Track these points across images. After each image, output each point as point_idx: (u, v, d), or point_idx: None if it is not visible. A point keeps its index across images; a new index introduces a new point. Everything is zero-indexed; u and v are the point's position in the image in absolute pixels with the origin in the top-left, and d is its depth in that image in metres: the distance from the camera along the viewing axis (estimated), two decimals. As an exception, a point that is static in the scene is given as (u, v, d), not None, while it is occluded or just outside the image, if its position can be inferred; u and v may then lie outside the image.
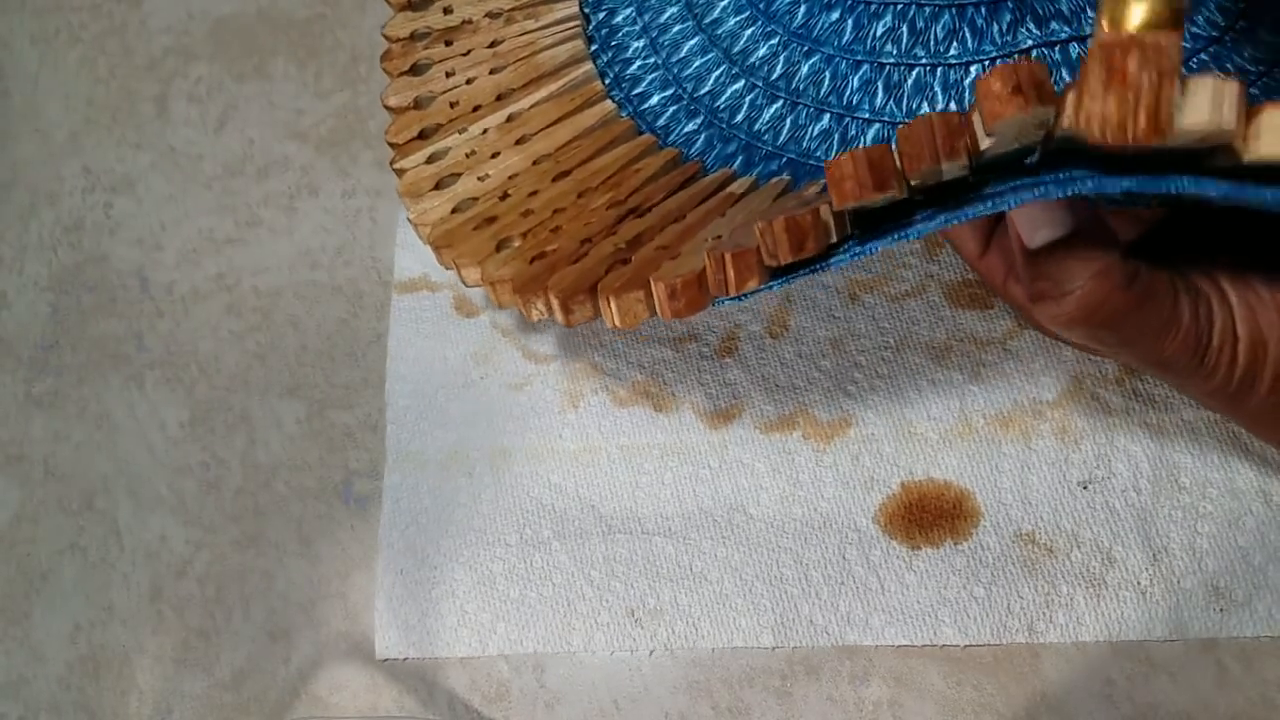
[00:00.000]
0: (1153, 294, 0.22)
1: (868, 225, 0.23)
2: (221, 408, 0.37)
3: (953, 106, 0.28)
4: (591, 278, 0.27)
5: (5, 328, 0.40)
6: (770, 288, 0.24)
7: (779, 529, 0.33)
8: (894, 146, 0.21)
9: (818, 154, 0.29)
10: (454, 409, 0.36)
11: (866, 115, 0.29)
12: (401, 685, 0.33)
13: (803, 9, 0.29)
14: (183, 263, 0.39)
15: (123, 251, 0.40)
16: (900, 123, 0.28)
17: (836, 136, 0.29)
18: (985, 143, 0.20)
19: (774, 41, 0.30)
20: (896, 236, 0.23)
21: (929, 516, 0.32)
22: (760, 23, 0.30)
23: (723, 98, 0.31)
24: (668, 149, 0.31)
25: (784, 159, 0.30)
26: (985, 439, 0.33)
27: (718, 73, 0.31)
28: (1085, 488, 0.32)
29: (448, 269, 0.30)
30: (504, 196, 0.31)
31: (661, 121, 0.32)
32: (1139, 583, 0.31)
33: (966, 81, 0.28)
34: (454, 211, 0.31)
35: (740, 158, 0.30)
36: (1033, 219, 0.23)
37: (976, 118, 0.20)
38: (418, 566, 0.34)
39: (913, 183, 0.21)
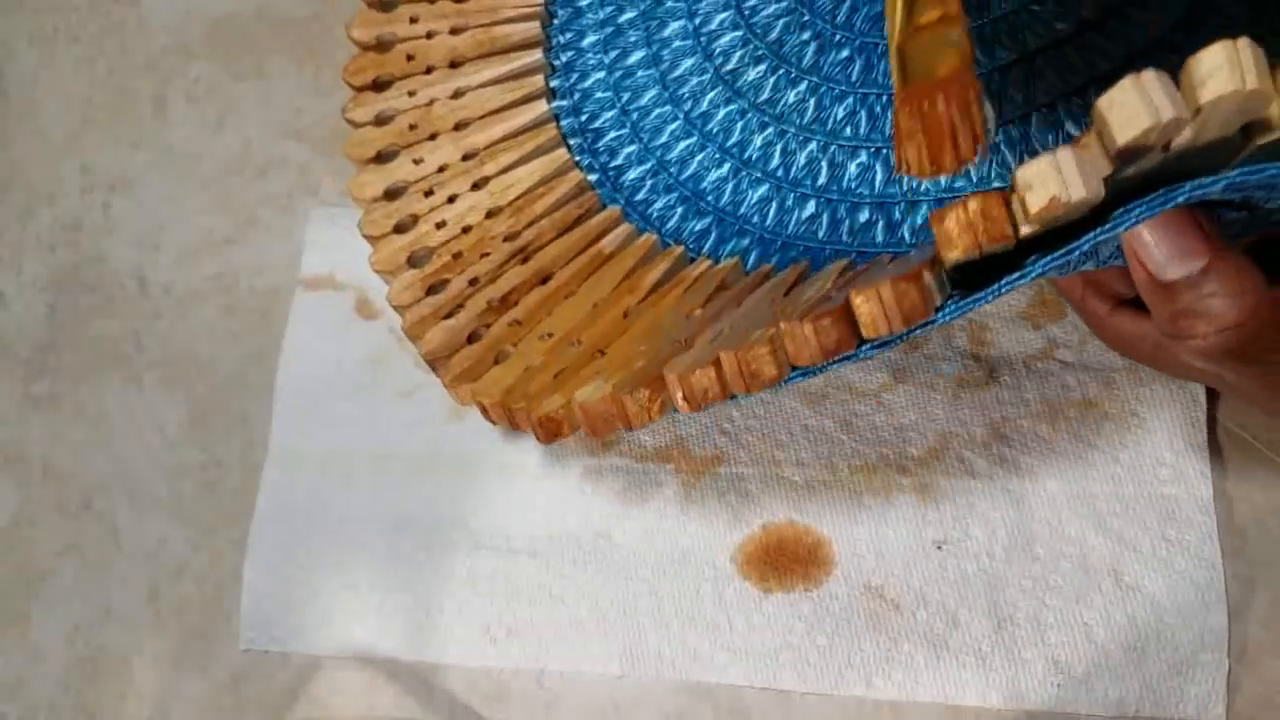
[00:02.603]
0: None
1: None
2: (220, 408, 0.37)
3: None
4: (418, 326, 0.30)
5: (3, 328, 0.40)
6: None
7: (640, 559, 0.33)
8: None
9: (752, 218, 0.30)
10: (340, 410, 0.36)
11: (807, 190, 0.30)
12: (400, 686, 0.33)
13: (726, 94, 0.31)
14: (181, 263, 0.39)
15: (121, 251, 0.40)
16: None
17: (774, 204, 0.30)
18: (1028, 228, 0.20)
19: (714, 95, 0.32)
20: (1013, 280, 0.21)
21: (785, 560, 0.32)
22: (705, 78, 0.32)
23: (652, 118, 0.32)
24: (574, 174, 0.32)
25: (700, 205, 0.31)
26: (848, 489, 0.33)
27: (660, 107, 0.33)
28: (939, 548, 0.32)
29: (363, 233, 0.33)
30: (428, 193, 0.32)
31: (596, 125, 0.33)
32: (980, 648, 0.31)
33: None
34: (385, 192, 0.33)
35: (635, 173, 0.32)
36: (1161, 252, 0.21)
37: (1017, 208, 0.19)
38: (285, 563, 0.34)
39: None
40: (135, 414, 0.37)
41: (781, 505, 0.33)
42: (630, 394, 0.24)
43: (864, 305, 0.21)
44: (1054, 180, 0.19)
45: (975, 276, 0.22)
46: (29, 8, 0.44)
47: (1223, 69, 0.17)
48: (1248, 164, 0.19)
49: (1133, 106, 0.18)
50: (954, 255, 0.20)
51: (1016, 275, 0.21)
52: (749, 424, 0.34)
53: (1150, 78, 0.18)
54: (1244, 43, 0.17)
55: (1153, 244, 0.21)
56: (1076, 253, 0.20)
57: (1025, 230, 0.20)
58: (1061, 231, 0.20)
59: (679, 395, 0.23)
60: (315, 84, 0.41)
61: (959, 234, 0.20)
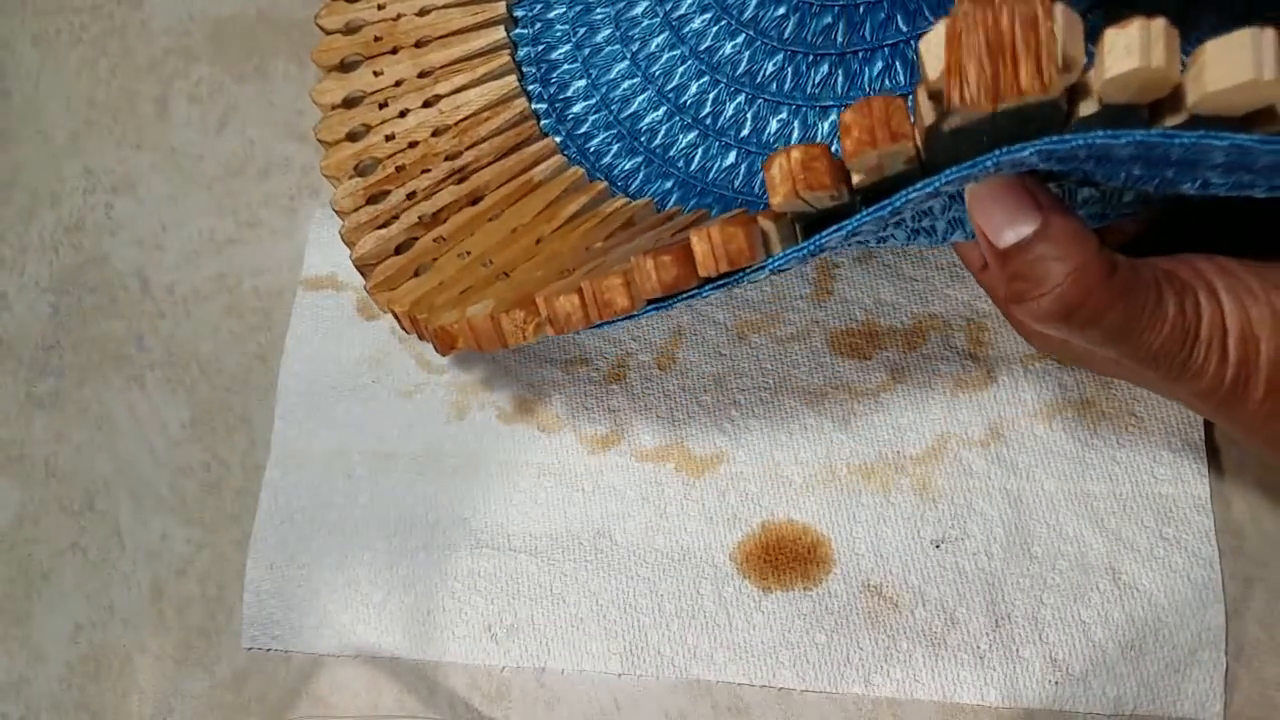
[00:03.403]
0: (1135, 285, 0.22)
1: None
2: (222, 408, 0.37)
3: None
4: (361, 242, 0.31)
5: (6, 328, 0.40)
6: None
7: (640, 558, 0.33)
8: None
9: (716, 178, 0.31)
10: (341, 410, 0.36)
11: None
12: (402, 684, 0.33)
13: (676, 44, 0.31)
14: (183, 263, 0.40)
15: (123, 252, 0.40)
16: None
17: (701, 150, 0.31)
18: (857, 177, 0.20)
19: (661, 39, 0.32)
20: (834, 232, 0.23)
21: (784, 559, 0.32)
22: (667, 40, 0.32)
23: (603, 55, 0.33)
24: (519, 101, 0.33)
25: (657, 163, 0.31)
26: (847, 487, 0.33)
27: (612, 45, 0.33)
28: (938, 546, 0.32)
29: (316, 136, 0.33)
30: (383, 105, 0.34)
31: (552, 56, 0.34)
32: (978, 646, 0.31)
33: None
34: (344, 100, 0.34)
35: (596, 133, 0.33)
36: (997, 219, 0.22)
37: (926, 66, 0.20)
38: (287, 562, 0.34)
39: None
40: (138, 414, 0.38)
41: (781, 504, 0.33)
42: (507, 314, 0.25)
43: (698, 245, 0.22)
44: (865, 123, 0.19)
45: (817, 219, 0.23)
46: (32, 9, 0.44)
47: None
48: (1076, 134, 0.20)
49: (939, 49, 0.18)
50: (776, 200, 0.21)
51: (835, 227, 0.22)
52: (749, 423, 0.34)
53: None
54: (1060, 8, 0.18)
55: (990, 212, 0.22)
56: (889, 209, 0.21)
57: (856, 179, 0.20)
58: (891, 186, 0.21)
59: (545, 316, 0.24)
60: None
61: (780, 181, 0.20)
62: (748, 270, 0.23)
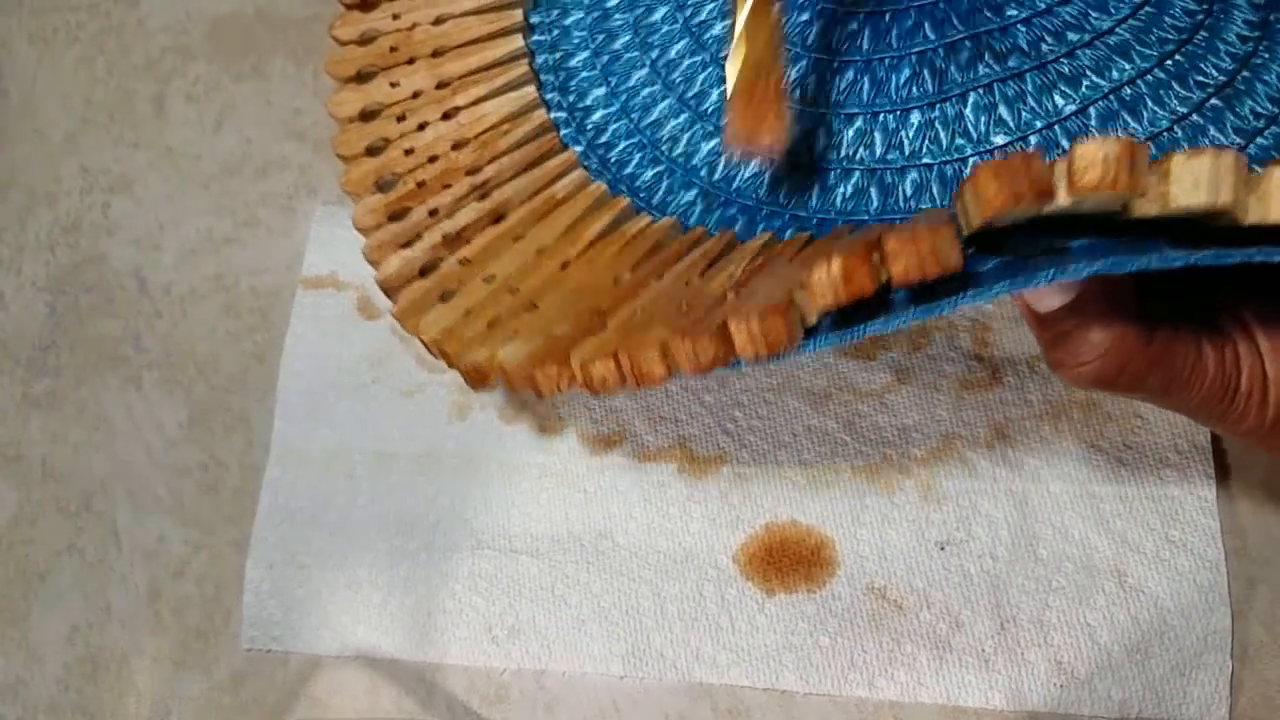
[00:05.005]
0: (1174, 348, 0.22)
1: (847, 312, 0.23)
2: (219, 408, 0.37)
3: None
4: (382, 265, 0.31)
5: (3, 328, 0.39)
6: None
7: (642, 559, 0.33)
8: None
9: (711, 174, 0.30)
10: (342, 409, 0.36)
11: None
12: (400, 687, 0.33)
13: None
14: (181, 263, 0.39)
15: (120, 252, 0.40)
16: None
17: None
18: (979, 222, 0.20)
19: (681, 45, 0.32)
20: (879, 325, 0.23)
21: (787, 561, 0.32)
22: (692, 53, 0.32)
23: (622, 62, 0.32)
24: (538, 113, 0.32)
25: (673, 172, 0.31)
26: (851, 489, 0.33)
27: (631, 51, 0.32)
28: (942, 549, 0.32)
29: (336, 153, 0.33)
30: (401, 119, 0.33)
31: (570, 64, 0.33)
32: (983, 649, 0.31)
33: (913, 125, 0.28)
34: (361, 113, 0.33)
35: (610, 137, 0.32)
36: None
37: (969, 204, 0.20)
38: (287, 563, 0.34)
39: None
40: (135, 414, 0.37)
41: (785, 506, 0.33)
42: (540, 369, 0.25)
43: (738, 334, 0.22)
44: (912, 253, 0.20)
45: (857, 304, 0.23)
46: (29, 8, 0.44)
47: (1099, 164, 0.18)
48: (1132, 233, 0.20)
49: (992, 187, 0.18)
50: (820, 305, 0.21)
51: (882, 322, 0.22)
52: (752, 424, 0.34)
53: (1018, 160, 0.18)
54: (1125, 140, 0.18)
55: None
56: (936, 314, 0.21)
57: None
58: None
59: (580, 380, 0.24)
60: (315, 84, 0.41)
61: (821, 291, 0.21)
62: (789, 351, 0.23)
